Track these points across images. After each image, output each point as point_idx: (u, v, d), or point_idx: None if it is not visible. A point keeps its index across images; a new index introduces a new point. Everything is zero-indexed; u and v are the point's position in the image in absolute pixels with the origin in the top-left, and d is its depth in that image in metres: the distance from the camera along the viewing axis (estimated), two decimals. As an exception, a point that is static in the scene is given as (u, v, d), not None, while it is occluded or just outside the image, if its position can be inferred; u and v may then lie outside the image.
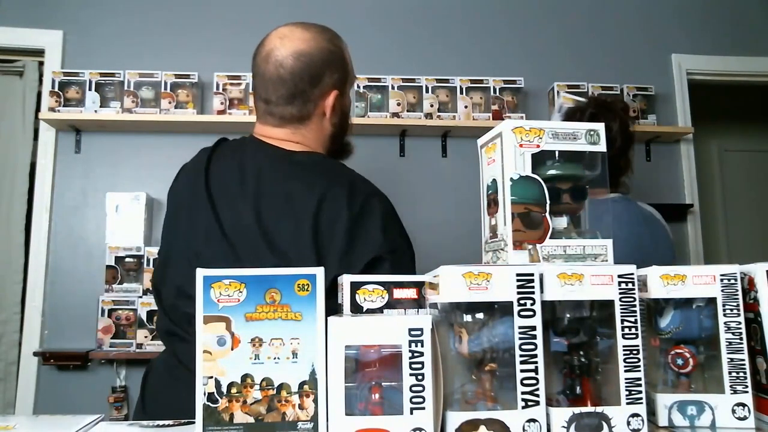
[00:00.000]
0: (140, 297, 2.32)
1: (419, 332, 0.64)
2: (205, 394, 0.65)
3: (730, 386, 0.71)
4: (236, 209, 1.04)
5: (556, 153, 0.81)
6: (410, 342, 0.64)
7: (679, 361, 0.74)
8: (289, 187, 1.03)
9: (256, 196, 1.03)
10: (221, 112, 2.49)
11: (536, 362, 0.66)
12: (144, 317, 2.30)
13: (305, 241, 0.97)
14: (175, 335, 1.04)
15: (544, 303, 0.68)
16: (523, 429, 0.65)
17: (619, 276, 0.69)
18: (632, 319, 0.69)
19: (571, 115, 1.66)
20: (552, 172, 0.81)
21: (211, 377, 0.65)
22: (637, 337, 0.69)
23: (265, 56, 1.11)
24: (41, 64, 2.63)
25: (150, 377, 1.11)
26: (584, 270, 0.69)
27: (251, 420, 0.65)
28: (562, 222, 0.82)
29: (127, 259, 2.35)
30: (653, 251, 1.51)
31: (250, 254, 0.99)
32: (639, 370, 0.68)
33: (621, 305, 0.69)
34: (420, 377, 0.63)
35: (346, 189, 1.03)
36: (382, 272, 0.97)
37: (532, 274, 0.68)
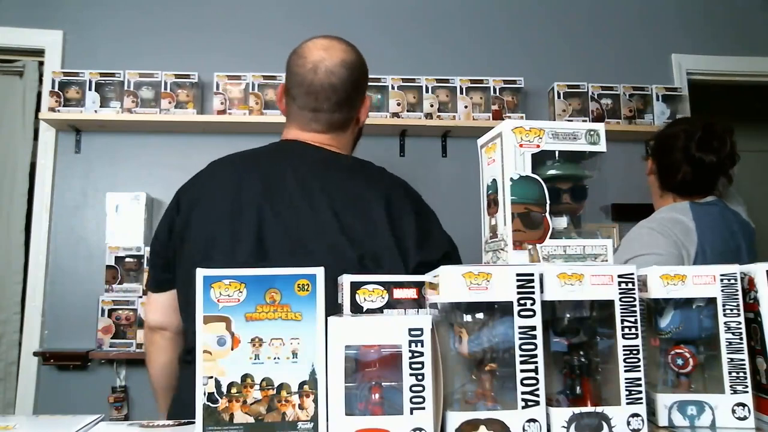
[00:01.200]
0: (140, 297, 2.32)
1: (419, 332, 0.64)
2: (205, 394, 0.65)
3: (730, 386, 0.71)
4: (304, 207, 1.08)
5: (556, 153, 0.81)
6: (410, 342, 0.64)
7: (679, 361, 0.74)
8: (354, 186, 1.13)
9: (324, 195, 1.09)
10: (221, 112, 2.49)
11: (536, 362, 0.66)
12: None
13: (383, 234, 1.06)
14: None
15: (544, 303, 0.68)
16: (523, 429, 0.65)
17: (619, 276, 0.69)
18: (632, 319, 0.69)
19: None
20: (552, 172, 0.81)
21: (211, 377, 0.65)
22: (637, 337, 0.69)
23: (312, 67, 1.16)
24: (41, 64, 2.63)
25: None
26: (584, 270, 0.69)
27: (251, 420, 0.65)
28: (562, 222, 0.82)
29: (127, 259, 2.35)
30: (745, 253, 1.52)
31: (331, 250, 1.04)
32: (639, 370, 0.68)
33: (621, 305, 0.69)
34: (420, 377, 0.63)
35: (403, 189, 1.19)
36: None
37: (532, 274, 0.68)
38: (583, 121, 2.59)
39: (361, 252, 1.04)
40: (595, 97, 2.63)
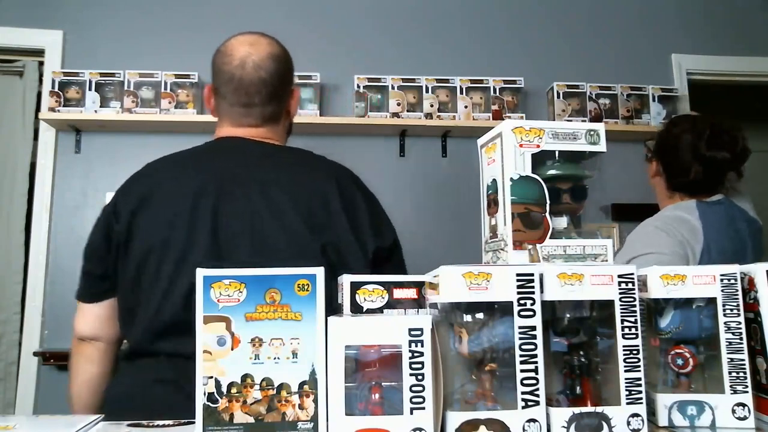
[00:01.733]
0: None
1: (419, 332, 0.64)
2: (205, 394, 0.65)
3: (730, 386, 0.71)
4: (260, 203, 1.07)
5: (556, 153, 0.81)
6: (410, 342, 0.64)
7: (679, 361, 0.74)
8: (306, 177, 1.13)
9: (279, 188, 1.09)
10: (221, 112, 2.49)
11: (536, 362, 0.66)
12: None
13: (342, 223, 1.07)
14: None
15: (544, 303, 0.68)
16: (523, 429, 0.65)
17: (619, 276, 0.69)
18: (632, 319, 0.69)
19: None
20: (552, 172, 0.81)
21: (211, 377, 0.65)
22: (637, 337, 0.69)
23: (240, 63, 1.17)
24: (41, 64, 2.63)
25: None
26: (584, 270, 0.69)
27: (251, 420, 0.65)
28: (562, 222, 0.82)
29: (127, 259, 2.35)
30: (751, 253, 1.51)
31: (292, 242, 1.05)
32: (639, 370, 0.68)
33: (621, 305, 0.69)
34: (420, 377, 0.63)
35: (351, 177, 1.20)
36: (399, 251, 1.18)
37: (532, 274, 0.68)
38: (582, 121, 2.59)
39: (322, 242, 1.04)
40: (593, 97, 2.64)
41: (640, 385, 0.68)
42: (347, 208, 1.09)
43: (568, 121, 2.58)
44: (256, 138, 1.18)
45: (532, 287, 0.67)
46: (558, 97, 2.62)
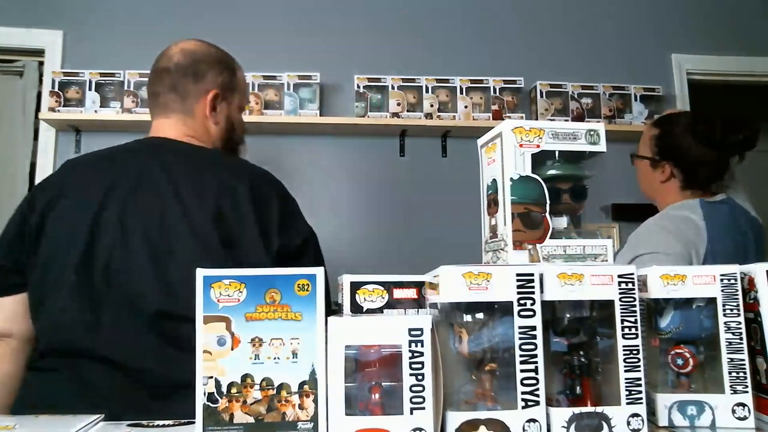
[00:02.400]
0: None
1: (419, 332, 0.64)
2: (205, 394, 0.65)
3: (730, 386, 0.71)
4: (169, 199, 1.09)
5: (556, 153, 0.81)
6: (410, 342, 0.64)
7: (679, 361, 0.74)
8: (218, 174, 1.14)
9: (188, 185, 1.11)
10: (221, 112, 2.49)
11: (536, 362, 0.66)
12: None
13: (248, 218, 1.08)
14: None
15: (544, 303, 0.68)
16: (523, 429, 0.65)
17: (619, 276, 0.69)
18: (632, 319, 0.69)
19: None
20: (552, 172, 0.81)
21: (211, 377, 0.65)
22: (637, 337, 0.69)
23: (157, 59, 1.26)
24: (41, 64, 2.63)
25: None
26: (584, 270, 0.69)
27: (251, 420, 0.65)
28: (562, 222, 0.82)
29: (127, 259, 2.35)
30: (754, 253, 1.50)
31: (195, 237, 1.06)
32: (639, 370, 0.68)
33: (621, 305, 0.69)
34: (420, 377, 0.63)
35: (267, 177, 1.20)
36: (311, 252, 1.16)
37: (532, 274, 0.68)
38: (565, 120, 2.59)
39: (224, 236, 1.06)
40: (576, 96, 2.64)
41: (640, 385, 0.68)
42: (256, 207, 1.10)
43: (550, 120, 2.58)
44: (174, 137, 1.20)
45: (532, 287, 0.67)
46: (541, 96, 2.62)
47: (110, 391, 0.98)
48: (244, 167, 1.20)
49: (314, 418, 0.65)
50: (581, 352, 0.71)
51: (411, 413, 0.63)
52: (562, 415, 0.67)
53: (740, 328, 0.72)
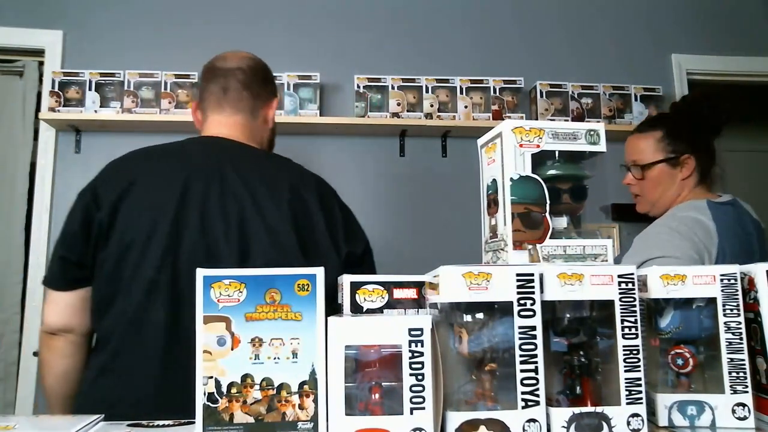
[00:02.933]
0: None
1: (419, 332, 0.64)
2: (205, 394, 0.65)
3: (730, 386, 0.71)
4: (242, 199, 1.12)
5: (556, 153, 0.81)
6: (410, 342, 0.64)
7: (679, 361, 0.74)
8: (284, 179, 1.18)
9: (264, 187, 1.15)
10: (221, 112, 2.49)
11: (536, 362, 0.66)
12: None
13: (319, 222, 1.14)
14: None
15: (544, 303, 0.68)
16: (523, 429, 0.65)
17: (619, 276, 0.69)
18: (632, 319, 0.69)
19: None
20: (552, 172, 0.81)
21: (211, 377, 0.65)
22: (637, 337, 0.69)
23: (222, 60, 1.31)
24: (41, 64, 2.63)
25: None
26: (584, 270, 0.69)
27: (251, 420, 0.65)
28: (562, 222, 0.82)
29: (127, 259, 2.35)
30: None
31: (271, 235, 1.11)
32: (639, 370, 0.68)
33: (621, 305, 0.69)
34: (420, 377, 0.63)
35: (329, 186, 1.25)
36: (369, 258, 1.22)
37: (532, 274, 0.68)
38: (565, 120, 2.59)
39: (302, 242, 1.10)
40: (576, 96, 2.64)
41: (640, 385, 0.68)
42: (325, 215, 1.15)
43: (551, 120, 2.59)
44: (234, 138, 1.22)
45: (532, 287, 0.67)
46: (541, 96, 2.62)
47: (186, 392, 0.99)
48: (308, 173, 1.25)
49: (314, 418, 0.65)
50: (581, 352, 0.71)
51: (411, 413, 0.63)
52: (562, 415, 0.67)
53: (740, 328, 0.72)
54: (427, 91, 2.58)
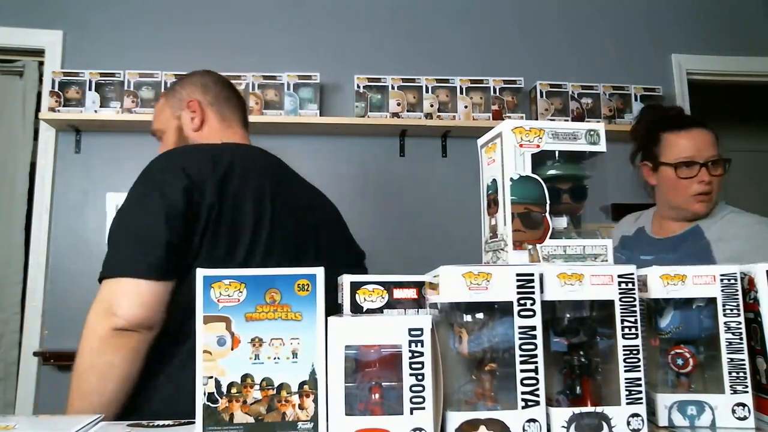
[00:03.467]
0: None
1: (419, 332, 0.64)
2: (205, 394, 0.65)
3: (730, 386, 0.71)
4: (306, 209, 1.28)
5: (556, 153, 0.81)
6: (410, 342, 0.64)
7: (679, 361, 0.74)
8: (308, 187, 1.37)
9: (311, 197, 1.35)
10: (221, 112, 2.49)
11: (536, 362, 0.66)
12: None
13: (343, 229, 1.42)
14: None
15: (544, 303, 0.68)
16: (523, 429, 0.65)
17: (619, 276, 0.69)
18: (632, 319, 0.69)
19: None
20: (552, 172, 0.81)
21: (211, 377, 0.65)
22: (637, 337, 0.69)
23: (216, 75, 1.38)
24: (41, 64, 2.63)
25: None
26: (584, 270, 0.69)
27: (251, 420, 0.65)
28: (562, 222, 0.82)
29: (127, 259, 2.35)
30: None
31: (343, 245, 1.37)
32: (639, 370, 0.68)
33: (621, 305, 0.69)
34: (420, 377, 0.63)
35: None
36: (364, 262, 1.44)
37: (532, 274, 0.68)
38: (565, 120, 2.59)
39: (359, 249, 1.30)
40: (576, 96, 2.64)
41: (640, 385, 0.68)
42: (339, 218, 1.34)
43: (551, 120, 2.59)
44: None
45: (532, 287, 0.67)
46: (541, 96, 2.62)
47: None
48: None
49: (314, 418, 0.65)
50: (581, 352, 0.71)
51: (411, 413, 0.63)
52: (562, 415, 0.67)
53: (740, 328, 0.72)
54: (427, 91, 2.58)
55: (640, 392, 0.68)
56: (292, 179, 1.29)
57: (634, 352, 0.69)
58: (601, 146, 0.81)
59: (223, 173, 1.08)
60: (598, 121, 2.60)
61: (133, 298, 0.97)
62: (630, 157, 1.69)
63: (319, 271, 0.68)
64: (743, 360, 0.72)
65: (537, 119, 2.60)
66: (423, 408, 0.63)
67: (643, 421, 0.67)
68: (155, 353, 1.00)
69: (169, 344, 1.01)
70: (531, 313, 0.67)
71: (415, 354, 0.63)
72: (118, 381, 0.96)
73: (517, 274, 0.67)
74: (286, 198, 1.19)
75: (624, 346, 0.69)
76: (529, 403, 0.65)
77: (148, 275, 0.97)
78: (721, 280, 0.73)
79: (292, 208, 1.19)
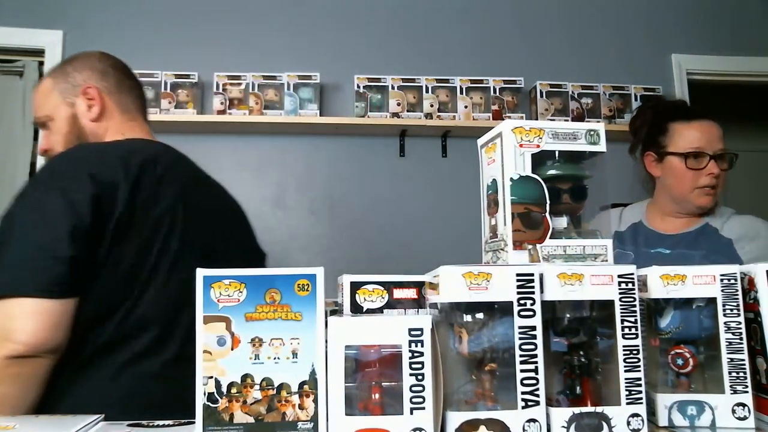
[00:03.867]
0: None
1: (419, 332, 0.64)
2: (205, 394, 0.64)
3: (730, 386, 0.71)
4: (214, 209, 1.26)
5: (556, 153, 0.81)
6: (410, 342, 0.64)
7: (679, 361, 0.74)
8: (216, 184, 1.34)
9: (216, 195, 1.32)
10: (221, 112, 2.49)
11: (536, 362, 0.66)
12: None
13: (249, 227, 1.38)
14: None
15: (544, 303, 0.68)
16: (523, 429, 0.65)
17: (619, 276, 0.69)
18: (632, 319, 0.69)
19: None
20: (552, 172, 0.81)
21: (211, 377, 0.65)
22: (637, 337, 0.69)
23: (116, 59, 1.33)
24: (41, 64, 2.63)
25: None
26: (584, 270, 0.69)
27: (251, 420, 0.64)
28: (562, 222, 0.82)
29: (127, 259, 2.35)
30: None
31: (243, 251, 1.30)
32: (639, 370, 0.68)
33: (621, 305, 0.69)
34: (420, 377, 0.63)
35: None
36: None
37: (532, 274, 0.68)
38: (565, 120, 2.60)
39: (262, 251, 1.31)
40: (576, 96, 2.64)
41: (640, 385, 0.68)
42: (250, 225, 1.33)
43: (551, 120, 2.59)
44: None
45: (532, 287, 0.67)
46: (541, 96, 2.62)
47: None
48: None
49: (314, 418, 0.65)
50: (581, 352, 0.71)
51: (411, 413, 0.63)
52: (562, 415, 0.67)
53: (740, 328, 0.72)
54: (427, 91, 2.58)
55: (640, 392, 0.68)
56: (204, 181, 1.21)
57: (634, 352, 0.69)
58: (601, 146, 0.81)
59: (135, 179, 0.99)
60: (598, 121, 2.60)
61: (34, 319, 0.85)
62: (629, 149, 1.65)
63: (319, 271, 0.68)
64: (743, 360, 0.72)
65: (537, 119, 2.60)
66: (423, 408, 0.63)
67: (643, 421, 0.67)
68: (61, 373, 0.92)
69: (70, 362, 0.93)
70: (531, 313, 0.67)
71: (415, 354, 0.63)
72: (17, 413, 0.85)
73: (517, 274, 0.67)
74: (198, 201, 1.13)
75: (624, 346, 0.69)
76: (529, 403, 0.65)
77: (51, 293, 0.87)
78: (721, 280, 0.73)
79: (204, 213, 1.14)
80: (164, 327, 1.01)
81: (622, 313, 0.69)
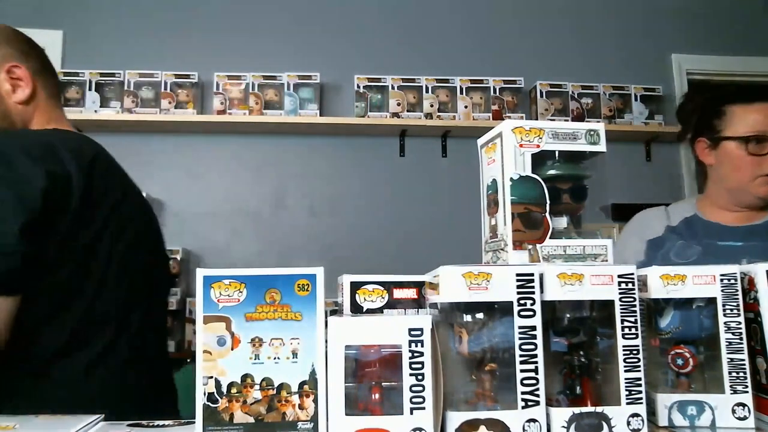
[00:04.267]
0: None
1: (419, 332, 0.64)
2: (205, 394, 0.64)
3: (730, 386, 0.71)
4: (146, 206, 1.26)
5: (556, 153, 0.81)
6: (410, 342, 0.64)
7: (679, 361, 0.74)
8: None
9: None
10: (221, 112, 2.49)
11: (536, 362, 0.66)
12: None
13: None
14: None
15: (544, 303, 0.68)
16: (523, 429, 0.65)
17: (619, 276, 0.69)
18: (632, 319, 0.69)
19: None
20: (552, 172, 0.81)
21: (211, 377, 0.65)
22: (637, 337, 0.69)
23: (25, 36, 1.13)
24: (41, 64, 2.63)
25: None
26: (584, 270, 0.69)
27: (251, 420, 0.64)
28: (562, 222, 0.82)
29: (127, 259, 2.35)
30: None
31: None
32: (639, 370, 0.68)
33: (621, 305, 0.69)
34: (420, 377, 0.63)
35: None
36: None
37: (532, 274, 0.68)
38: (565, 120, 2.60)
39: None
40: (576, 96, 2.64)
41: (640, 385, 0.68)
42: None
43: (551, 120, 2.59)
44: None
45: (532, 287, 0.67)
46: (541, 96, 2.62)
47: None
48: None
49: (314, 418, 0.65)
50: (581, 352, 0.71)
51: (411, 413, 0.63)
52: (562, 415, 0.67)
53: (740, 328, 0.72)
54: (427, 91, 2.59)
55: (640, 392, 0.68)
56: (128, 176, 1.15)
57: (634, 352, 0.69)
58: (601, 146, 0.81)
59: (87, 174, 0.93)
60: (598, 121, 2.60)
61: None
62: (678, 136, 1.53)
63: (319, 271, 0.68)
64: (743, 360, 0.72)
65: (537, 119, 2.60)
66: (423, 408, 0.63)
67: (643, 421, 0.67)
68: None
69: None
70: (531, 313, 0.67)
71: (415, 354, 0.63)
72: None
73: (517, 274, 0.67)
74: (134, 197, 1.11)
75: (624, 346, 0.69)
76: (529, 403, 0.65)
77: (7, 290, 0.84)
78: (721, 280, 0.73)
79: (140, 208, 1.14)
80: (117, 327, 0.97)
81: (622, 313, 0.69)
